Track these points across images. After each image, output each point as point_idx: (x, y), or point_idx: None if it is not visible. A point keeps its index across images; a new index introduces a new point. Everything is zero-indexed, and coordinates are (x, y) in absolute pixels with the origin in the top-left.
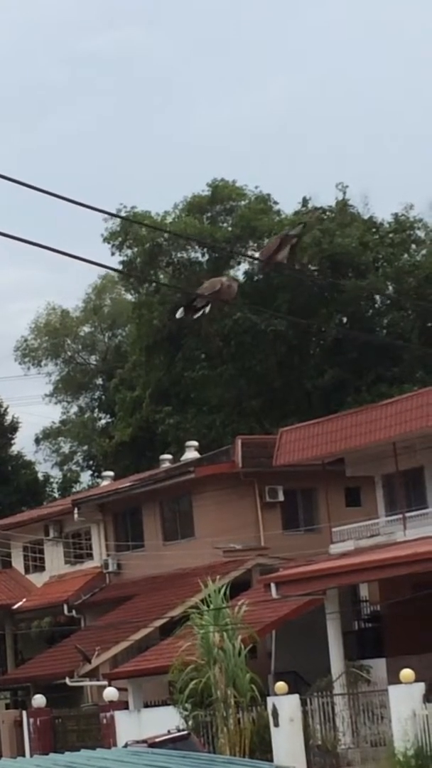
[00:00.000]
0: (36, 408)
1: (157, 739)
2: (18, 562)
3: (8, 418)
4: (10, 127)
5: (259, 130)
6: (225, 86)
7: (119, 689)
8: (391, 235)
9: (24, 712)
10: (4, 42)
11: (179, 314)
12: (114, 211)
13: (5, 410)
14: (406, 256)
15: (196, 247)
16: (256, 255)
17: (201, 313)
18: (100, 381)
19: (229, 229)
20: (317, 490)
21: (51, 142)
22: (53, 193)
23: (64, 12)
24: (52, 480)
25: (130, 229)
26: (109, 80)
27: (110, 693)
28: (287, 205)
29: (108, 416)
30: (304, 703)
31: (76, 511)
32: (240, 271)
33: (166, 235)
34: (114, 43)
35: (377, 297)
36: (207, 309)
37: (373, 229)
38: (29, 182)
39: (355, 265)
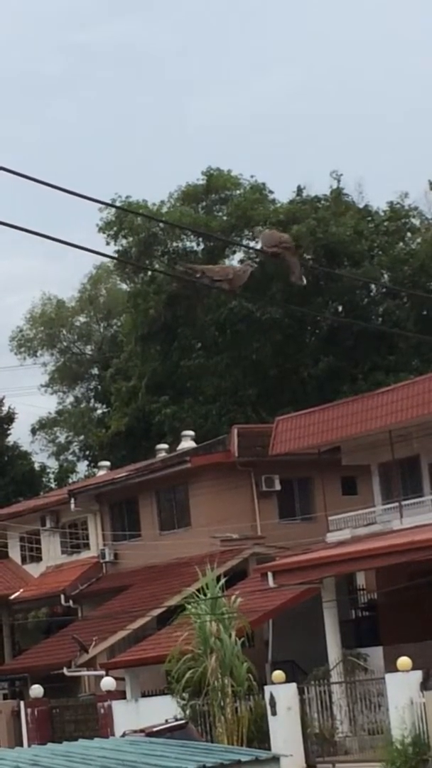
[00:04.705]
0: (32, 398)
1: (155, 729)
2: (15, 553)
3: (4, 408)
4: (7, 117)
5: (254, 120)
6: (220, 75)
7: (116, 679)
8: (386, 223)
9: (21, 703)
10: (2, 31)
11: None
12: (109, 201)
13: (1, 401)
14: (401, 244)
15: (192, 236)
16: (251, 244)
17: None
18: (95, 371)
19: (224, 218)
20: (313, 479)
21: (48, 131)
22: (49, 184)
23: (61, 2)
24: (48, 470)
25: (125, 218)
26: (105, 69)
27: (107, 683)
28: (282, 194)
29: (104, 406)
30: (301, 691)
31: (72, 501)
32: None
33: (161, 224)
34: (110, 33)
35: (372, 285)
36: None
37: (368, 218)
38: (25, 170)
39: (350, 253)
